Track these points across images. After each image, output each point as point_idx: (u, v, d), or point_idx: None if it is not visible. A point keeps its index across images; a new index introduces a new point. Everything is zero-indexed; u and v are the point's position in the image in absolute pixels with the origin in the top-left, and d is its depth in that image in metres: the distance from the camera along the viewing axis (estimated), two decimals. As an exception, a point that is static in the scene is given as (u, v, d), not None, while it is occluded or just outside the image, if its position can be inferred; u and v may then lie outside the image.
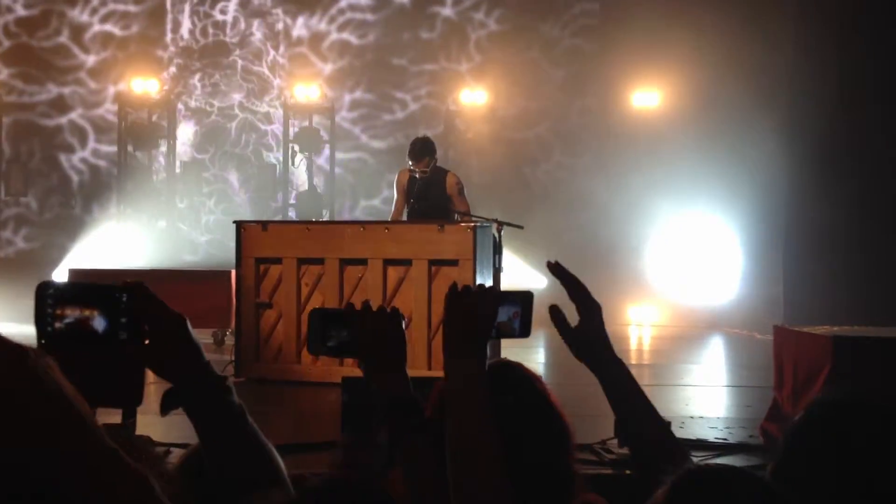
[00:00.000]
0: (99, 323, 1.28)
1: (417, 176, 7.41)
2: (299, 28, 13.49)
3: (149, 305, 1.29)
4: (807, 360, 4.75)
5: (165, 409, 1.33)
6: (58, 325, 1.27)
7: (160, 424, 1.25)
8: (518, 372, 1.76)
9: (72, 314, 1.27)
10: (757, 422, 5.13)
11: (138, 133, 12.89)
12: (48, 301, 1.27)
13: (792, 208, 9.61)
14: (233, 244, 7.21)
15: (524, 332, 1.71)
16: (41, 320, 1.27)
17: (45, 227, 13.03)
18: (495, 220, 7.15)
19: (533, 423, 1.67)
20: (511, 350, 7.44)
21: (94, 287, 1.29)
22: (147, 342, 1.29)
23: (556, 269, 1.71)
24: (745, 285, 11.08)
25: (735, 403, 6.46)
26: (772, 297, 10.09)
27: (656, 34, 11.40)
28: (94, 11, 13.26)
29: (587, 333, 1.69)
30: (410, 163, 7.40)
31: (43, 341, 1.28)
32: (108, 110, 13.20)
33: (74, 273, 9.59)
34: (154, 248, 12.38)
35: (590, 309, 1.70)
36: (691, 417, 5.59)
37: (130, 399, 1.34)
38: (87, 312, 1.27)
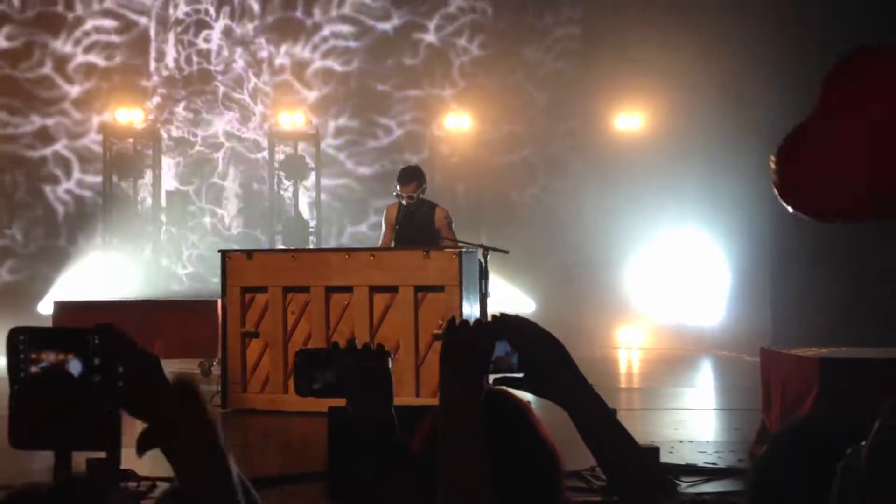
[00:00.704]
0: (74, 366, 1.27)
1: (404, 203, 7.39)
2: (283, 56, 13.53)
3: (121, 346, 1.28)
4: (794, 382, 4.75)
5: (141, 449, 1.31)
6: (32, 369, 1.26)
7: (147, 459, 1.25)
8: (507, 400, 1.72)
9: (46, 359, 1.26)
10: (746, 445, 5.12)
11: (123, 163, 12.87)
12: (20, 347, 1.26)
13: (779, 228, 9.63)
14: (217, 273, 7.18)
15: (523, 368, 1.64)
16: (14, 366, 1.27)
17: (29, 259, 12.95)
18: (480, 246, 7.16)
19: (522, 452, 1.64)
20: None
21: (65, 330, 1.29)
22: (121, 384, 1.27)
23: (492, 324, 1.64)
24: (734, 306, 11.10)
25: (724, 427, 6.45)
26: (760, 319, 10.10)
27: (638, 57, 11.48)
28: (77, 42, 13.27)
29: (533, 373, 1.61)
30: (398, 187, 7.38)
31: (16, 387, 1.27)
32: (92, 140, 13.17)
33: (60, 305, 9.53)
34: (140, 279, 12.33)
35: (529, 346, 1.61)
36: (680, 442, 5.58)
37: (107, 442, 1.32)
38: (61, 356, 1.26)
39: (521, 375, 1.61)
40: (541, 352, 1.60)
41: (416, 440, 1.71)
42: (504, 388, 1.68)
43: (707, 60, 10.48)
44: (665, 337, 11.41)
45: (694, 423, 6.50)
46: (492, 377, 1.64)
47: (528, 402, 1.75)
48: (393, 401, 1.70)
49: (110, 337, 1.28)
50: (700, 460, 5.01)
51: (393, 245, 7.51)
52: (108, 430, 1.31)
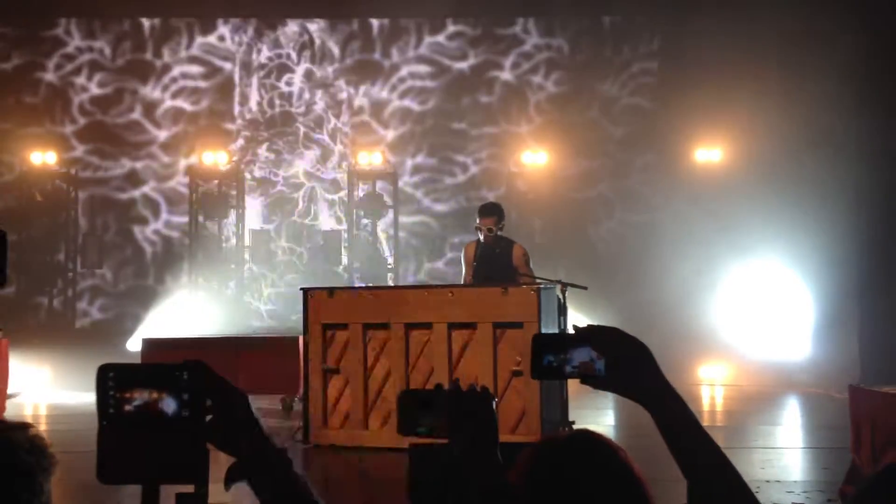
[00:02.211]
0: (167, 404, 1.30)
1: (482, 237, 7.41)
2: (361, 97, 13.78)
3: (210, 382, 1.32)
4: (885, 420, 4.60)
5: (229, 482, 1.35)
6: (127, 407, 1.30)
7: (232, 494, 1.29)
8: (601, 446, 1.69)
9: (139, 396, 1.30)
10: (836, 485, 4.96)
11: (208, 204, 13.24)
12: (109, 384, 1.30)
13: (867, 264, 9.38)
14: (299, 310, 7.29)
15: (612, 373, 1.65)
16: (103, 403, 1.30)
17: (119, 298, 13.38)
18: (559, 282, 7.11)
19: (614, 491, 1.61)
20: (579, 413, 7.35)
21: (155, 367, 1.33)
22: (209, 418, 1.32)
23: (579, 332, 1.68)
24: (820, 342, 10.80)
25: (812, 466, 6.25)
26: (848, 354, 9.80)
27: (715, 90, 11.37)
28: (165, 88, 13.75)
29: (617, 373, 1.64)
30: (478, 219, 7.40)
31: (104, 423, 1.31)
32: (179, 182, 13.60)
33: (148, 342, 9.80)
34: (224, 316, 12.60)
35: (614, 348, 1.64)
36: (767, 482, 5.43)
37: (195, 475, 1.36)
38: (154, 395, 1.30)
39: (604, 376, 1.64)
40: (625, 353, 1.62)
41: (511, 477, 1.70)
42: (590, 430, 1.68)
43: (788, 92, 10.32)
44: (750, 373, 11.13)
45: (781, 462, 6.32)
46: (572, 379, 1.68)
47: (621, 448, 1.72)
48: (499, 443, 1.69)
49: (199, 373, 1.32)
50: (788, 500, 4.87)
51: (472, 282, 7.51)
52: (195, 463, 1.35)
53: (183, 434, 1.33)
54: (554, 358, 1.69)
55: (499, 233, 7.38)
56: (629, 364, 1.63)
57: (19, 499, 1.42)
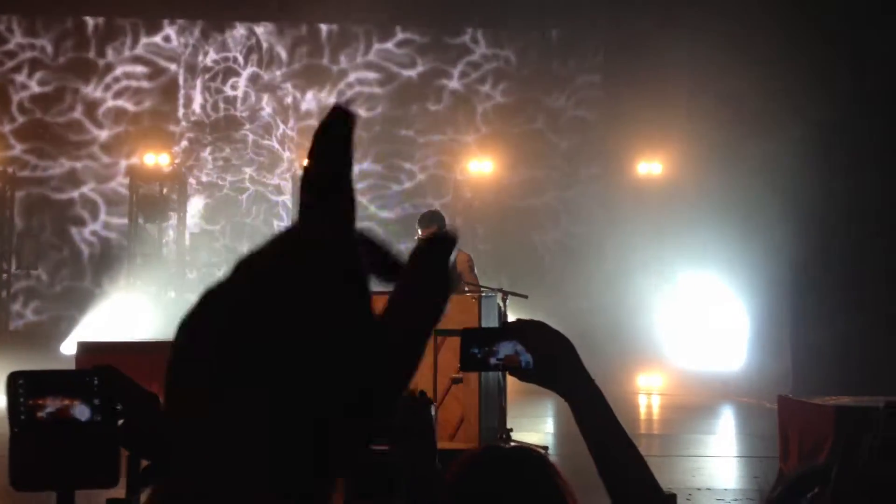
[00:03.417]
0: (80, 411, 1.31)
1: None
2: (308, 102, 13.73)
3: (121, 387, 1.32)
4: (811, 430, 4.71)
5: (142, 485, 1.35)
6: (39, 414, 1.30)
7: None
8: (538, 464, 1.70)
9: (50, 404, 1.30)
10: (764, 493, 5.07)
11: (149, 206, 13.05)
12: (19, 391, 1.30)
13: (798, 275, 9.60)
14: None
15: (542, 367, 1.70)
16: (13, 410, 1.30)
17: (54, 300, 13.11)
18: (500, 290, 7.16)
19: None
20: (517, 421, 7.40)
21: (65, 373, 1.33)
22: (121, 422, 1.32)
23: (506, 326, 1.74)
24: (755, 353, 11.01)
25: (743, 474, 6.38)
26: (781, 366, 10.02)
27: (658, 104, 11.56)
28: (107, 87, 13.54)
29: (541, 366, 1.69)
30: (419, 230, 7.43)
31: (15, 430, 1.31)
32: (119, 184, 13.39)
33: (83, 346, 9.61)
34: (163, 320, 12.42)
35: (538, 342, 1.70)
36: (698, 489, 5.53)
37: (107, 479, 1.36)
38: (65, 401, 1.30)
39: (530, 369, 1.68)
40: (549, 346, 1.67)
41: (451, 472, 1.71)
42: (523, 444, 1.71)
43: (726, 109, 10.53)
44: (685, 383, 11.31)
45: (712, 470, 6.44)
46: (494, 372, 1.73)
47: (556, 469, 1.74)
48: (436, 450, 1.69)
49: (109, 378, 1.32)
50: (717, 508, 4.96)
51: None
52: (107, 468, 1.35)
53: (96, 439, 1.33)
54: (479, 350, 1.74)
55: None
56: (553, 356, 1.68)
57: None
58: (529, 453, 1.66)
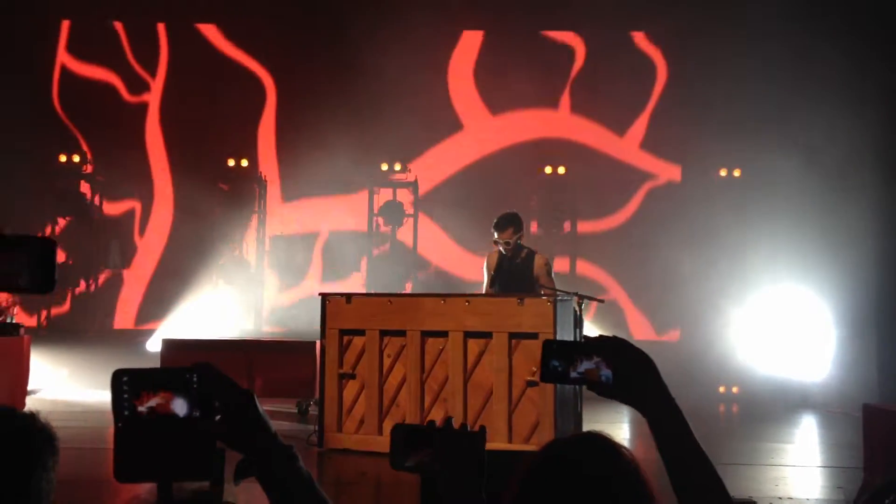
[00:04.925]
0: (179, 405, 1.37)
1: (503, 250, 7.41)
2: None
3: (218, 383, 1.38)
4: (899, 440, 4.59)
5: (238, 478, 1.41)
6: (140, 409, 1.37)
7: (243, 491, 1.35)
8: (607, 443, 1.70)
9: (152, 400, 1.37)
10: (849, 503, 4.95)
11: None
12: (123, 388, 1.38)
13: (885, 283, 9.34)
14: (315, 317, 7.35)
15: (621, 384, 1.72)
16: (118, 406, 1.38)
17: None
18: (576, 294, 7.12)
19: (624, 488, 1.61)
20: (593, 427, 7.36)
21: (165, 370, 1.39)
22: (218, 418, 1.37)
23: (588, 341, 1.76)
24: (840, 362, 10.75)
25: (826, 484, 6.23)
26: (867, 375, 9.76)
27: (730, 110, 11.45)
28: None
29: (621, 382, 1.72)
30: (495, 234, 7.41)
31: (119, 424, 1.38)
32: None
33: (167, 343, 9.89)
34: (244, 319, 12.69)
35: (620, 359, 1.73)
36: (780, 498, 5.42)
37: (204, 472, 1.42)
38: (166, 398, 1.37)
39: (610, 384, 1.72)
40: (631, 363, 1.71)
41: (510, 485, 1.72)
42: (598, 433, 1.72)
43: (809, 109, 10.33)
44: (768, 392, 11.06)
45: (795, 480, 6.30)
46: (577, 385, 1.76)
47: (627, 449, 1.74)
48: (484, 484, 1.70)
49: (208, 375, 1.38)
50: (799, 518, 4.86)
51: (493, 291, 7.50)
52: (205, 461, 1.41)
53: (194, 433, 1.39)
54: (560, 363, 1.76)
55: (518, 242, 7.39)
56: (634, 373, 1.72)
57: (31, 476, 1.55)
58: (592, 438, 1.65)
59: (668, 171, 13.05)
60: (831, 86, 10.00)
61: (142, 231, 13.43)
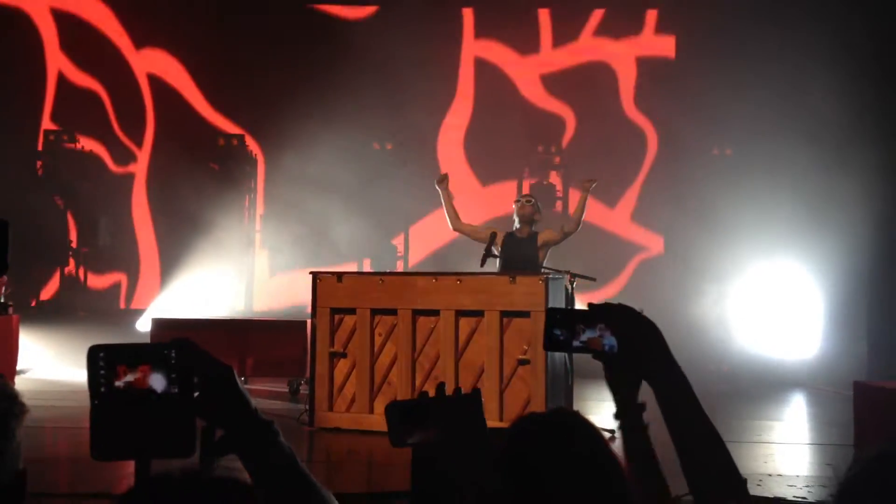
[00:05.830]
0: (156, 381, 1.34)
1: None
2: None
3: (197, 358, 1.35)
4: (889, 415, 4.59)
5: (217, 454, 1.38)
6: (117, 383, 1.34)
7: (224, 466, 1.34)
8: (578, 422, 1.69)
9: (129, 375, 1.34)
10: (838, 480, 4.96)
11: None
12: (99, 364, 1.34)
13: (875, 262, 9.35)
14: (306, 295, 7.32)
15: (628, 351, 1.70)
16: (94, 382, 1.34)
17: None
18: (567, 272, 7.12)
19: (593, 481, 1.61)
20: (584, 404, 7.37)
21: (143, 346, 1.36)
22: (197, 394, 1.35)
23: (592, 309, 1.74)
24: (830, 340, 10.77)
25: (816, 461, 6.24)
26: (857, 352, 9.78)
27: (728, 85, 11.39)
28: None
29: (627, 351, 1.70)
30: (518, 226, 7.60)
31: (96, 402, 1.35)
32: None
33: (157, 322, 9.86)
34: (232, 297, 12.64)
35: (625, 328, 1.71)
36: (769, 475, 5.43)
37: (183, 449, 1.39)
38: (144, 374, 1.34)
39: (614, 353, 1.71)
40: (635, 331, 1.70)
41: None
42: (569, 410, 1.71)
43: (801, 90, 10.30)
44: (758, 370, 11.09)
45: (784, 457, 6.32)
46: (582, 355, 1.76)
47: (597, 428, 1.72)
48: (487, 443, 1.68)
49: (186, 350, 1.35)
50: (789, 494, 4.87)
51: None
52: (184, 438, 1.38)
53: (173, 410, 1.36)
54: (563, 332, 1.74)
55: (534, 218, 7.57)
56: (638, 341, 1.69)
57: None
58: (566, 414, 1.65)
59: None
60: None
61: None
